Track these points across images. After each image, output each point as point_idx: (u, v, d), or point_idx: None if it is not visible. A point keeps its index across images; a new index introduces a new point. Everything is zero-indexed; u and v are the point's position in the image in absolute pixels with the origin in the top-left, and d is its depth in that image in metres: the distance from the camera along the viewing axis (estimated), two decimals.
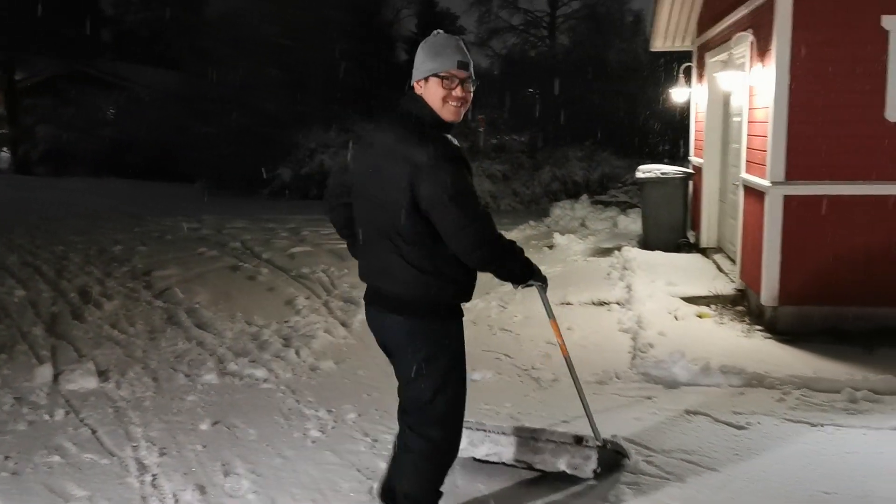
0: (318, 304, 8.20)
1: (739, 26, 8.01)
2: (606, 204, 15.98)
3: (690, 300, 7.96)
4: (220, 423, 4.89)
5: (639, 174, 11.14)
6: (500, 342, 6.70)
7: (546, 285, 3.47)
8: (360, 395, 5.39)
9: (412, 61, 3.19)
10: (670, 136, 16.25)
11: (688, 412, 4.96)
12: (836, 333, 6.63)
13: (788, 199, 6.71)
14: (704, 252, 10.39)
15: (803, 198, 6.68)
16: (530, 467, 3.96)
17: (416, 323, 3.11)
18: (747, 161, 7.76)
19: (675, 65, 11.93)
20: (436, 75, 3.05)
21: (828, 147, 6.59)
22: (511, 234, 13.02)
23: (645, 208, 11.18)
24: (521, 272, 3.25)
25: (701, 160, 10.70)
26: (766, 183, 6.81)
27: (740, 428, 4.68)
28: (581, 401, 4.01)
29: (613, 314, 7.73)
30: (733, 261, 9.21)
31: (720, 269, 9.20)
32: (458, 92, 3.08)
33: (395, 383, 3.28)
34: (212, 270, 9.94)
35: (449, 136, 3.06)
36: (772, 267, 6.81)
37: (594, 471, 3.84)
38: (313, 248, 11.83)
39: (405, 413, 3.24)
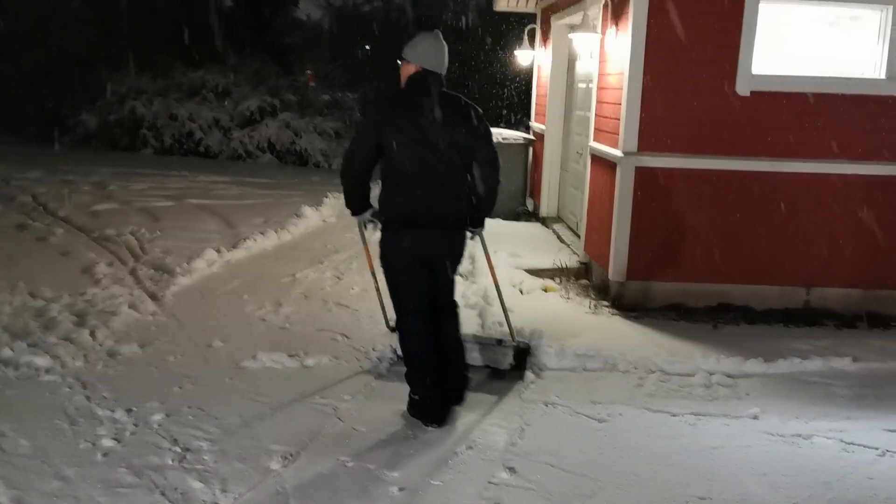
0: (123, 272, 7.11)
1: None
2: None
3: (535, 273, 7.62)
4: None
5: None
6: (337, 320, 6.01)
7: None
8: (169, 387, 4.52)
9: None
10: (513, 101, 15.99)
11: (546, 403, 4.52)
12: (680, 310, 6.51)
13: (640, 171, 6.45)
14: (544, 221, 10.17)
15: (655, 170, 6.44)
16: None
17: (462, 232, 4.24)
18: (596, 129, 7.46)
19: (522, 27, 11.51)
20: (417, 64, 4.11)
21: (682, 118, 6.36)
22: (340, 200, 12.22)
23: None
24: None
25: (542, 126, 10.42)
26: (617, 153, 6.51)
27: (601, 421, 4.30)
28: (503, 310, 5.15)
29: (458, 287, 7.21)
30: (575, 232, 9.01)
31: (562, 240, 8.96)
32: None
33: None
34: None
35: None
36: (621, 241, 6.55)
37: (510, 364, 5.02)
38: (121, 205, 10.50)
39: (447, 307, 4.39)
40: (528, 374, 4.95)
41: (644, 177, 6.44)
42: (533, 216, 10.66)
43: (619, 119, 6.56)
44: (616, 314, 6.40)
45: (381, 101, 4.18)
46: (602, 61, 7.27)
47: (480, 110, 4.22)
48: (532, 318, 5.90)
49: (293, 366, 4.97)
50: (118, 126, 18.14)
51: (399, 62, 4.14)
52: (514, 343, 5.11)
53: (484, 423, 4.22)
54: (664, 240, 6.54)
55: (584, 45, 7.27)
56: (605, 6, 7.10)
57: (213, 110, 18.23)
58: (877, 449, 4.03)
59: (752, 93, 6.31)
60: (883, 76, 6.33)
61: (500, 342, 5.13)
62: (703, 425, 4.28)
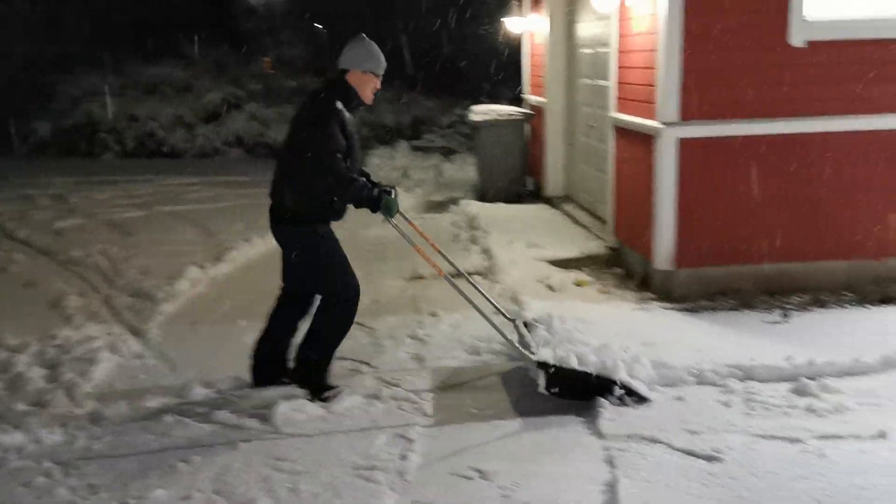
0: (97, 303, 6.19)
1: None
2: (426, 150, 14.67)
3: (559, 264, 6.83)
4: None
5: (474, 116, 9.86)
6: (353, 343, 5.16)
7: None
8: (173, 463, 3.64)
9: None
10: (498, 73, 15.08)
11: (632, 437, 3.73)
12: (738, 297, 5.74)
13: (685, 143, 5.64)
14: (550, 202, 9.36)
15: (702, 140, 5.64)
16: None
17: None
18: (620, 99, 6.64)
19: None
20: (374, 73, 4.18)
21: (729, 80, 5.56)
22: None
23: (481, 155, 9.94)
24: None
25: (541, 99, 9.57)
26: (655, 124, 5.70)
27: (711, 459, 3.51)
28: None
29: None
30: (593, 213, 8.21)
31: (578, 223, 8.16)
32: (378, 85, 4.26)
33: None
34: None
35: None
36: (666, 224, 5.76)
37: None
38: (86, 219, 9.50)
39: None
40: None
41: (689, 149, 5.64)
42: (536, 196, 9.85)
43: (653, 85, 5.75)
44: (669, 308, 5.62)
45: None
46: (623, 20, 6.43)
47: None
48: (577, 327, 5.09)
49: (319, 413, 4.13)
50: (74, 131, 16.93)
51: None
52: (541, 362, 4.05)
53: (566, 473, 3.43)
54: (717, 220, 5.76)
55: (601, 3, 6.42)
56: None
57: (174, 107, 17.10)
58: None
59: (808, 43, 5.52)
60: None
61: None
62: (832, 453, 3.52)
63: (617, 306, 5.73)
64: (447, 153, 14.26)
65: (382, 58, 4.22)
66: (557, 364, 4.05)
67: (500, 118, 9.72)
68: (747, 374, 4.39)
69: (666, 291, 5.85)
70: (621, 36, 6.52)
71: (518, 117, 9.74)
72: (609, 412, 3.99)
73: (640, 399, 4.08)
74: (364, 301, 4.43)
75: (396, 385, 4.50)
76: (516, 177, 9.82)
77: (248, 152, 16.99)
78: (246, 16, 21.97)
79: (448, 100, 17.11)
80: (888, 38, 5.57)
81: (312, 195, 4.03)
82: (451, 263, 5.00)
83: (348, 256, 4.30)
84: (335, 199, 4.06)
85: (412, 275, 6.82)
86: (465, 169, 12.56)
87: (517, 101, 11.42)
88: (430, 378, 4.61)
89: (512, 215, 8.75)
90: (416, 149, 14.63)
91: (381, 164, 13.22)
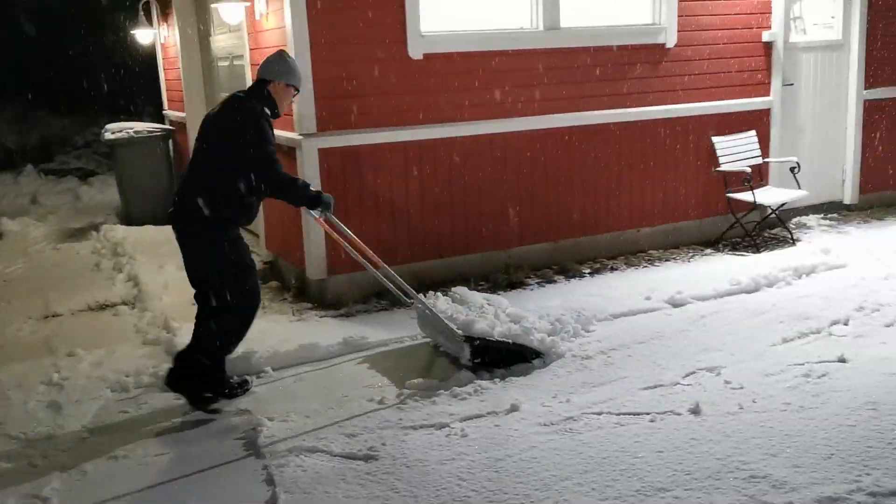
0: None
1: None
2: (59, 173, 13.32)
3: None
4: None
5: (108, 135, 9.16)
6: None
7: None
8: None
9: None
10: (137, 88, 14.06)
11: (297, 450, 3.70)
12: (390, 297, 5.99)
13: (325, 153, 5.76)
14: None
15: (341, 150, 5.80)
16: None
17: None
18: None
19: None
20: (294, 87, 4.42)
21: (358, 91, 5.78)
22: None
23: (122, 175, 9.28)
24: None
25: (182, 114, 9.18)
26: (296, 136, 5.74)
27: (368, 459, 3.61)
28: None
29: (125, 320, 5.96)
30: (246, 228, 8.03)
31: None
32: (293, 99, 4.59)
33: None
34: None
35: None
36: (315, 234, 5.83)
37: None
38: None
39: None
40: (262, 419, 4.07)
41: (329, 159, 5.77)
42: None
43: None
44: (325, 315, 5.71)
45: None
46: (254, 33, 6.38)
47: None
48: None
49: None
50: None
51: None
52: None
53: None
54: (362, 225, 5.95)
55: (229, 15, 6.30)
56: None
57: None
58: (647, 414, 3.91)
59: (424, 55, 5.94)
60: (541, 28, 6.36)
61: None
62: (473, 432, 3.81)
63: (275, 320, 5.67)
64: (85, 175, 13.09)
65: (300, 73, 4.43)
66: (482, 337, 4.41)
67: (137, 136, 9.14)
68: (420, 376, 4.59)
69: (322, 299, 5.93)
70: (254, 48, 6.47)
71: (158, 133, 9.24)
72: (268, 429, 3.93)
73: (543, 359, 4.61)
74: None
75: (27, 440, 3.99)
76: (163, 196, 9.30)
77: None
78: None
79: (83, 118, 15.71)
80: (496, 50, 6.19)
81: (235, 198, 4.08)
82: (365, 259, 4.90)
83: None
84: (274, 193, 4.23)
85: (44, 313, 6.13)
86: (106, 191, 11.66)
87: (161, 117, 10.84)
88: (69, 425, 4.16)
89: (161, 237, 8.23)
90: (47, 172, 13.23)
91: (3, 192, 11.74)
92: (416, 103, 5.97)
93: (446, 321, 4.56)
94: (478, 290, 6.12)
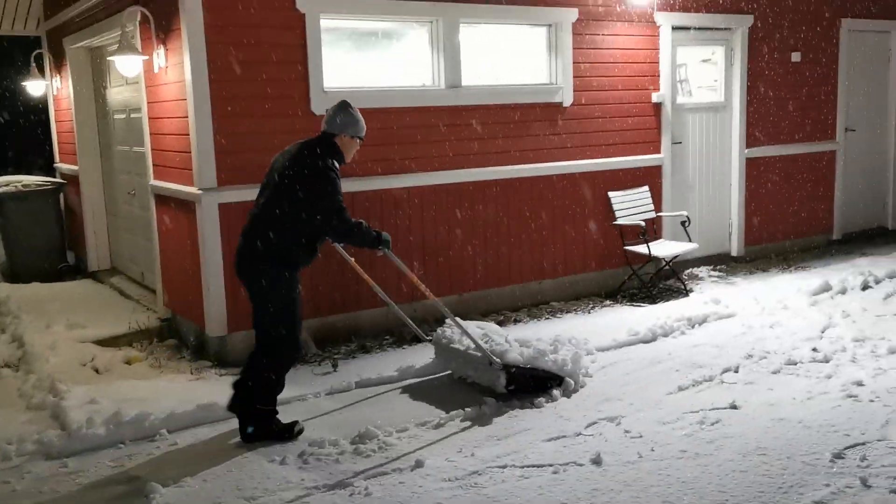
0: None
1: (121, 1, 6.58)
2: None
3: (107, 343, 6.34)
4: None
5: None
6: None
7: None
8: None
9: None
10: (27, 140, 13.47)
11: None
12: None
13: (226, 209, 5.67)
14: (95, 276, 8.67)
15: (243, 205, 5.67)
16: None
17: None
18: (157, 166, 6.44)
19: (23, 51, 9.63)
20: (359, 137, 4.63)
21: (261, 145, 5.73)
22: None
23: (7, 230, 8.85)
24: None
25: (75, 167, 8.87)
26: (195, 191, 5.64)
27: None
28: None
29: (8, 383, 5.63)
30: (142, 284, 7.79)
31: (127, 296, 7.66)
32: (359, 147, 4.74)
33: None
34: None
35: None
36: (216, 290, 5.71)
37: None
38: None
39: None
40: None
41: (231, 214, 5.67)
42: (79, 272, 9.05)
43: (189, 152, 5.69)
44: (225, 374, 5.54)
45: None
46: (152, 86, 6.27)
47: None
48: (128, 409, 4.76)
49: None
50: None
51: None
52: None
53: None
54: None
55: (126, 68, 6.18)
56: (145, 23, 6.11)
57: None
58: (551, 466, 3.94)
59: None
60: (443, 86, 6.51)
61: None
62: (377, 490, 3.75)
63: (172, 379, 5.48)
64: None
65: (364, 123, 4.61)
66: (518, 365, 4.80)
67: (25, 189, 8.77)
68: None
69: (222, 357, 5.77)
70: (152, 102, 6.34)
71: (49, 187, 8.89)
72: (161, 496, 3.76)
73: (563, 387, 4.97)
74: None
75: None
76: (53, 252, 8.92)
77: None
78: None
79: None
80: (399, 107, 6.28)
81: (303, 243, 4.37)
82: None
83: None
84: (342, 238, 4.60)
85: None
86: None
87: (52, 170, 10.43)
88: None
89: (50, 295, 7.88)
90: None
91: None
92: None
93: (487, 351, 4.88)
94: (384, 344, 6.13)
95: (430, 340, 5.46)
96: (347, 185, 6.00)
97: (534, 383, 4.89)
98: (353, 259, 5.28)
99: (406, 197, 6.38)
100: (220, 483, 3.91)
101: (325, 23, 5.94)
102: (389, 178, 6.28)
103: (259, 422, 4.39)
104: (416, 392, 5.15)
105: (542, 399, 4.83)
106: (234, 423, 4.66)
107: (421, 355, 5.68)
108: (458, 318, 5.15)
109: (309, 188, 4.29)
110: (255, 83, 5.69)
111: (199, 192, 5.60)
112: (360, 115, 4.57)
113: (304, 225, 4.31)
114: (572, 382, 5.00)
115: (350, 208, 6.09)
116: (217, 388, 5.25)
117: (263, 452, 4.26)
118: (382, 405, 4.93)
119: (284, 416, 4.56)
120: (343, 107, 4.55)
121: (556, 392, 4.91)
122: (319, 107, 5.91)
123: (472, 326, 5.31)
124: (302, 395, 5.11)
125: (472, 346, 4.99)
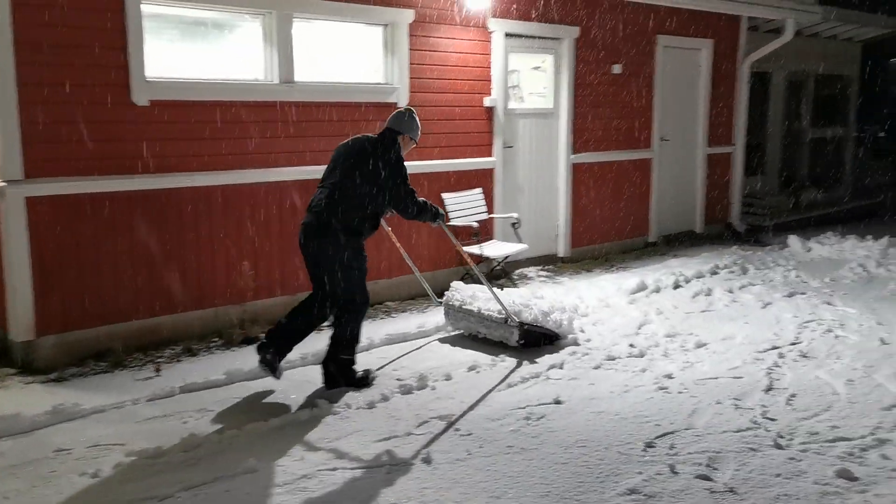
0: None
1: None
2: None
3: None
4: None
5: None
6: None
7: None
8: None
9: None
10: None
11: None
12: (111, 357, 5.54)
13: (34, 202, 5.24)
14: None
15: (53, 198, 5.31)
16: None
17: None
18: None
19: None
20: (415, 140, 5.35)
21: (75, 135, 5.35)
22: None
23: None
24: None
25: None
26: None
27: None
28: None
29: None
30: None
31: None
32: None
33: None
34: None
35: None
36: (21, 291, 5.26)
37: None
38: None
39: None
40: None
41: (40, 208, 5.26)
42: None
43: None
44: (32, 381, 5.12)
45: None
46: None
47: None
48: None
49: None
50: None
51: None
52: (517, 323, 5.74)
53: None
54: (79, 280, 5.48)
55: None
56: None
57: None
58: (382, 467, 3.93)
59: (150, 102, 5.66)
60: (276, 81, 6.35)
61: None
62: (203, 501, 3.58)
63: None
64: None
65: (421, 131, 5.40)
66: (529, 323, 5.76)
67: None
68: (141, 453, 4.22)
69: (29, 363, 5.33)
70: None
71: None
72: None
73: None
74: None
75: None
76: None
77: None
78: None
79: None
80: (229, 101, 6.06)
81: (372, 218, 5.05)
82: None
83: None
84: (413, 217, 5.20)
85: None
86: None
87: None
88: None
89: None
90: None
91: None
92: (140, 151, 5.65)
93: (506, 309, 5.73)
94: (212, 347, 5.90)
95: (441, 303, 6.39)
96: (169, 180, 5.80)
97: (538, 338, 5.83)
98: (390, 229, 6.13)
99: (234, 194, 6.17)
100: (26, 501, 3.59)
101: (146, 8, 5.63)
102: (215, 175, 6.06)
103: (343, 369, 5.08)
104: (249, 397, 4.98)
105: (374, 399, 4.82)
106: (40, 434, 4.32)
107: (253, 357, 5.49)
108: (490, 284, 5.99)
109: (388, 175, 4.99)
110: (70, 68, 5.30)
111: (4, 183, 5.14)
112: (419, 122, 5.32)
113: (377, 204, 5.00)
114: (567, 338, 5.98)
115: (172, 205, 5.86)
116: (21, 397, 4.85)
117: (74, 466, 3.95)
118: (209, 411, 4.73)
119: (95, 427, 4.26)
120: (409, 113, 5.29)
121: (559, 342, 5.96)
122: (141, 96, 5.61)
123: (478, 291, 6.22)
124: (119, 402, 4.80)
125: (484, 308, 5.92)
